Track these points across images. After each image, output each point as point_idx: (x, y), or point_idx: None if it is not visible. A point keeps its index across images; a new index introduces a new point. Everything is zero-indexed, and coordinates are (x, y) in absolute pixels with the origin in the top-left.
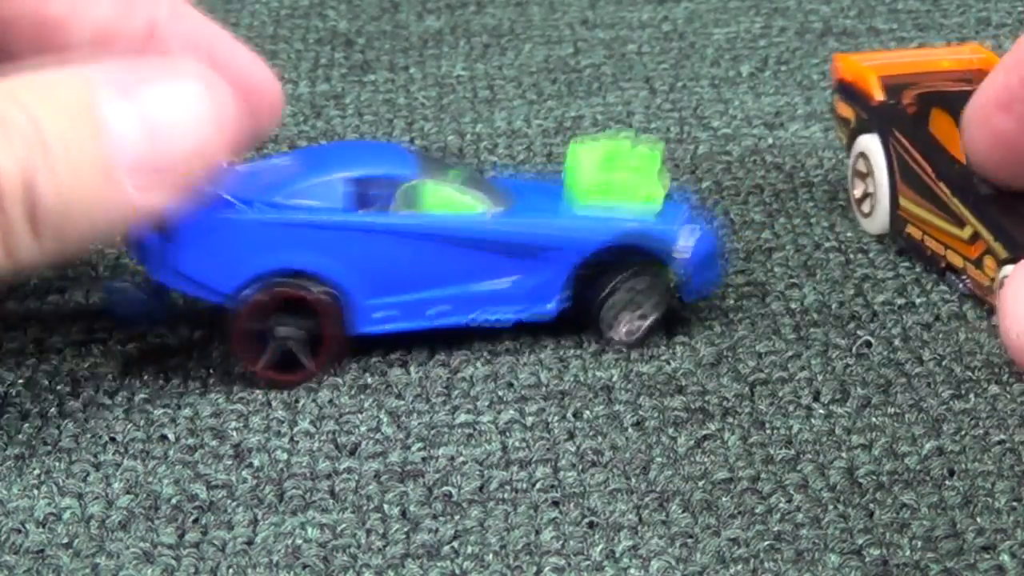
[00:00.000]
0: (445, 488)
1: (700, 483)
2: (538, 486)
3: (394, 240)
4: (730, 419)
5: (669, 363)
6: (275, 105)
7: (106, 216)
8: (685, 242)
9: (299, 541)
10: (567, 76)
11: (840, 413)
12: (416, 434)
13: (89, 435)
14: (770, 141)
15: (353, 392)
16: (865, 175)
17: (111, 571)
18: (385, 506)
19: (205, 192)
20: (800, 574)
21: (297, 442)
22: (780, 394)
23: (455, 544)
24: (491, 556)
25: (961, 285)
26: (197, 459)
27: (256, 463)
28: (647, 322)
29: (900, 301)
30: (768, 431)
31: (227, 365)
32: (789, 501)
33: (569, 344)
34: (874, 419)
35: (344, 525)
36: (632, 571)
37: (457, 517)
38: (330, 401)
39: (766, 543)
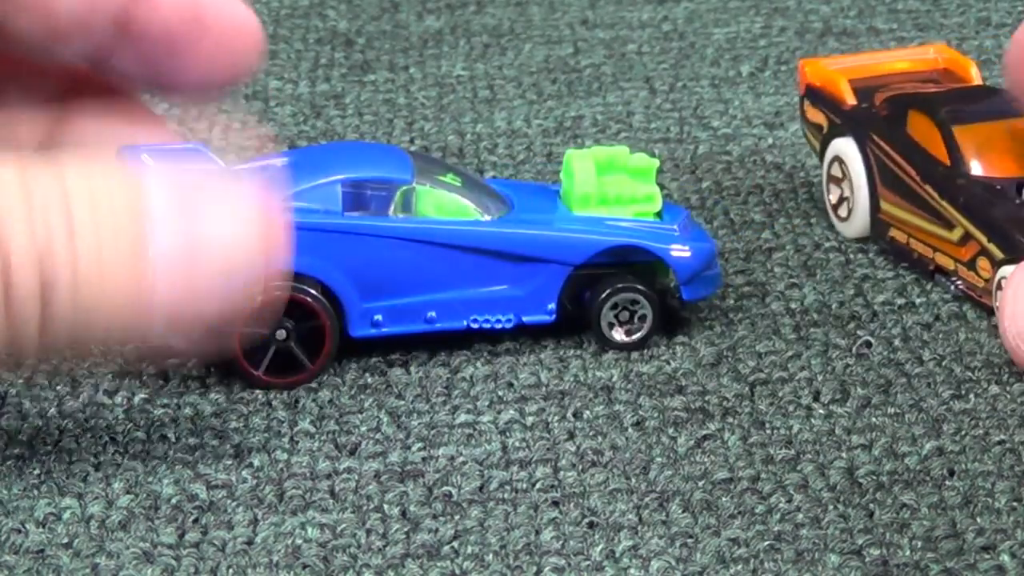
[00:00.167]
0: (445, 488)
1: (700, 483)
2: (538, 486)
3: (391, 244)
4: (730, 419)
5: (669, 363)
6: (253, 44)
7: (124, 335)
8: (683, 245)
9: (299, 541)
10: (567, 76)
11: (840, 413)
12: (416, 434)
13: (89, 435)
14: (770, 141)
15: (353, 392)
16: (840, 180)
17: (111, 571)
18: (385, 506)
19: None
20: (800, 574)
21: (297, 442)
22: (780, 394)
23: (455, 544)
24: (491, 556)
25: (952, 287)
26: (197, 459)
27: (256, 463)
28: (646, 324)
29: (900, 301)
30: (768, 431)
31: (227, 365)
32: (789, 501)
33: (569, 344)
34: (874, 419)
35: (344, 525)
36: (632, 571)
37: (457, 517)
38: (330, 401)
39: (766, 543)
